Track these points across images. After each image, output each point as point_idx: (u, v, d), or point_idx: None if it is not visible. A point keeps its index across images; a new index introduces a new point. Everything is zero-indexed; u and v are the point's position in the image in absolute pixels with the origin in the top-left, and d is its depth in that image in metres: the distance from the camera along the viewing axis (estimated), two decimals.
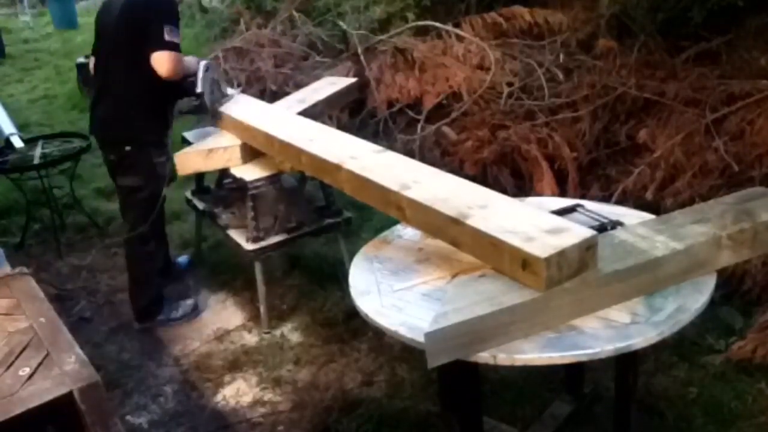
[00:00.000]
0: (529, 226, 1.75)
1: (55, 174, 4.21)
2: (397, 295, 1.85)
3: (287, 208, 3.24)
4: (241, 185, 3.14)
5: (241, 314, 3.41)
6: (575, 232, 1.70)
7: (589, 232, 1.70)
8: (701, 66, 3.80)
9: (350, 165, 2.33)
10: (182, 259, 3.88)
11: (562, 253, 1.62)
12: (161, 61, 2.89)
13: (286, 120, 3.13)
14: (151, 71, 2.91)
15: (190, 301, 3.48)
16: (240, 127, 3.19)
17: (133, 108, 3.07)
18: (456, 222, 1.85)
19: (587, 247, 1.67)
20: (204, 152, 3.16)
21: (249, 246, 3.16)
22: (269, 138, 2.92)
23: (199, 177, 3.70)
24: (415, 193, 2.02)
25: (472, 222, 1.81)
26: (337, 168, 2.38)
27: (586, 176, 3.77)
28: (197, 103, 3.21)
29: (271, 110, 3.40)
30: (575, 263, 1.65)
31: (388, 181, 2.13)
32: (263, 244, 3.16)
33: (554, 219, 1.81)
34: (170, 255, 3.77)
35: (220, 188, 3.63)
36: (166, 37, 2.88)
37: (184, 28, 8.33)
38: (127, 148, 3.08)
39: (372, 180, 2.19)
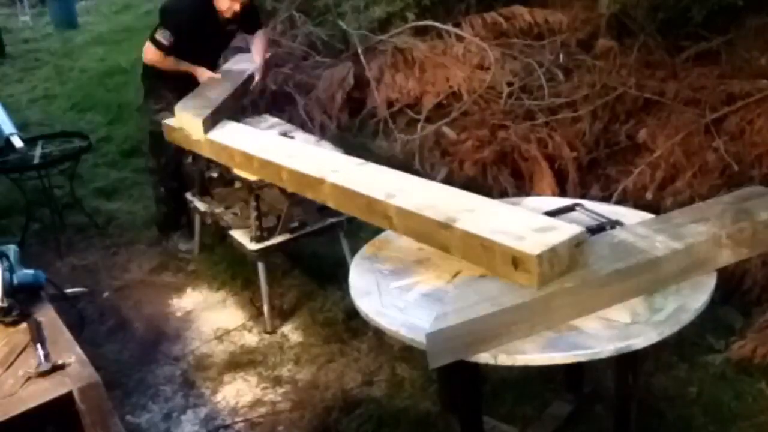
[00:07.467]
0: (517, 226, 1.76)
1: (55, 174, 4.21)
2: (397, 295, 1.85)
3: (290, 207, 3.24)
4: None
5: (241, 314, 3.41)
6: (564, 229, 1.72)
7: (577, 229, 1.72)
8: (701, 66, 3.80)
9: (333, 178, 2.35)
10: None
11: (553, 250, 1.64)
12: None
13: (262, 138, 3.12)
14: None
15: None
16: (217, 149, 3.14)
17: None
18: (445, 226, 1.86)
19: (576, 244, 1.69)
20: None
21: (253, 246, 3.16)
22: (248, 156, 2.91)
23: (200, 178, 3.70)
24: (401, 201, 2.04)
25: (460, 225, 1.82)
26: (320, 182, 2.40)
27: (586, 176, 3.77)
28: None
29: (245, 130, 3.32)
30: (566, 260, 1.67)
31: (373, 191, 2.16)
32: (267, 243, 3.17)
33: (542, 218, 1.83)
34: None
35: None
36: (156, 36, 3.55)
37: None
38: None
39: (357, 191, 2.21)
